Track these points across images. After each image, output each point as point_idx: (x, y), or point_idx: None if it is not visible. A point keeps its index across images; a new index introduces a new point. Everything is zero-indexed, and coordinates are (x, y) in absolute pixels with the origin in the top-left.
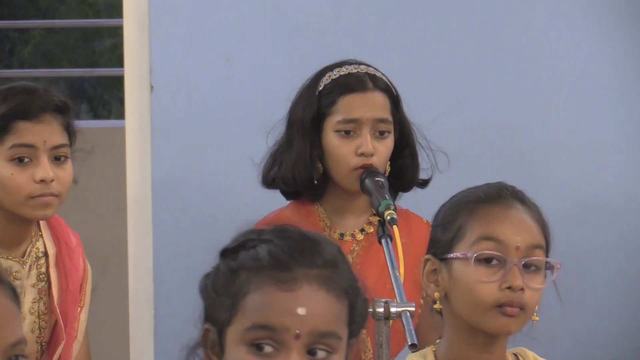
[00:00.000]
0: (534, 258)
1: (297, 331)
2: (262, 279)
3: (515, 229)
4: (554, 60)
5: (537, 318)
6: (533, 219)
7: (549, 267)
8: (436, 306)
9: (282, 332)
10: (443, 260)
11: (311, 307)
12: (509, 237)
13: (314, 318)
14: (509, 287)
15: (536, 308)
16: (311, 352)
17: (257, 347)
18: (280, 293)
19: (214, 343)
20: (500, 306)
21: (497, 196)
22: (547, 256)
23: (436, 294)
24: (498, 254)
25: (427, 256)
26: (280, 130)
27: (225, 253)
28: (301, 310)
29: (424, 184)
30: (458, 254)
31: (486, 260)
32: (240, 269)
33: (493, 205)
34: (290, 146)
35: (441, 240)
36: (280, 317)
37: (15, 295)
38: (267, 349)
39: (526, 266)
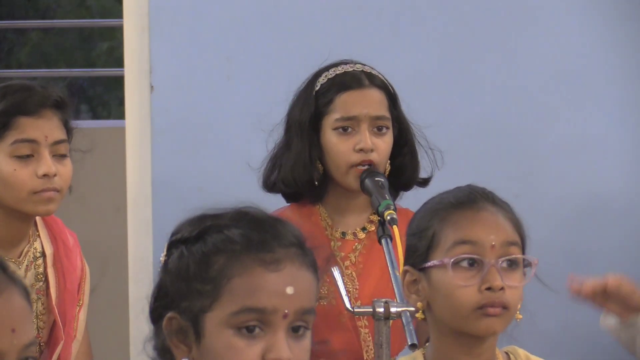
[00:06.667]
0: (511, 256)
1: (286, 311)
2: (246, 262)
3: (488, 229)
4: (554, 60)
5: (521, 316)
6: (505, 218)
7: (527, 264)
8: (418, 315)
9: (272, 314)
10: (421, 270)
11: (297, 285)
12: (482, 237)
13: (299, 296)
14: (488, 288)
15: (519, 306)
16: (293, 328)
17: (247, 329)
18: (269, 274)
19: (182, 331)
20: (482, 307)
21: (467, 200)
22: (523, 253)
23: (419, 304)
24: (474, 255)
25: (406, 267)
26: (278, 133)
27: (185, 241)
28: (289, 290)
29: (424, 182)
30: (435, 262)
31: (464, 264)
32: (215, 254)
33: (464, 210)
34: (289, 148)
35: (417, 249)
36: (271, 298)
37: (27, 296)
38: (257, 330)
39: (504, 265)
